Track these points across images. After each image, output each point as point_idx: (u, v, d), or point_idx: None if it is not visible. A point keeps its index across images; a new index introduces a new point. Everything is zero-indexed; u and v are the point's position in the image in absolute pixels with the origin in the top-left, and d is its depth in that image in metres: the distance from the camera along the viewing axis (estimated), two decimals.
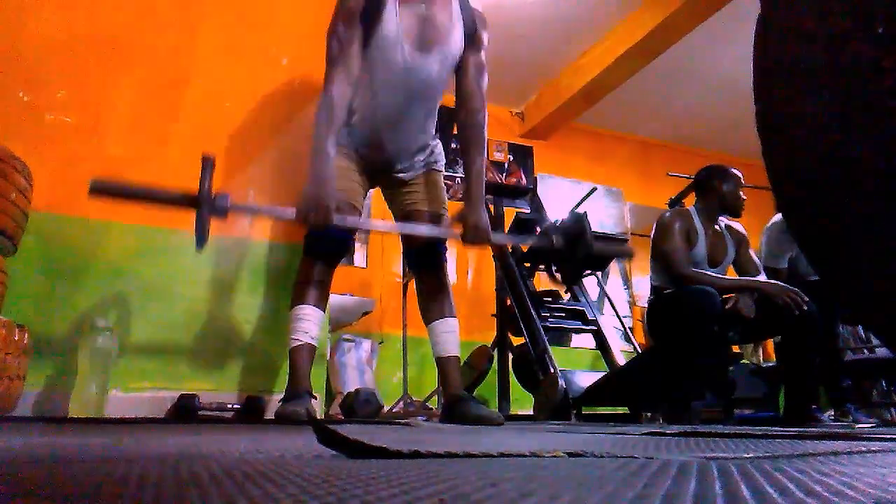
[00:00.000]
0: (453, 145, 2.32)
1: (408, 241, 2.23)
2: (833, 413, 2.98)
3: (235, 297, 2.45)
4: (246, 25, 2.76)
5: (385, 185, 2.28)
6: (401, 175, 2.21)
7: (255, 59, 2.72)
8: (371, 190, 2.34)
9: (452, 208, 2.21)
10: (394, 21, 1.97)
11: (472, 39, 2.09)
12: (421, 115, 2.13)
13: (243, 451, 0.73)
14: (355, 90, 2.00)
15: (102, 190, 1.70)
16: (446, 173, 2.45)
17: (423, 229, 2.12)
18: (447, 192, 2.35)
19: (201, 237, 1.75)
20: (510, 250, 3.55)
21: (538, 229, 3.49)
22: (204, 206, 1.73)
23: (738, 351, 3.39)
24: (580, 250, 2.14)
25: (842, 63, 0.56)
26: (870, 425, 2.69)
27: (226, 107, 2.62)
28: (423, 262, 2.19)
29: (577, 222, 2.19)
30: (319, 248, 2.06)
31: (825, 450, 0.81)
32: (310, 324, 2.01)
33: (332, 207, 1.82)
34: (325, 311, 2.11)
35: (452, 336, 2.14)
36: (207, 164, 1.77)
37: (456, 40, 2.06)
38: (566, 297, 3.59)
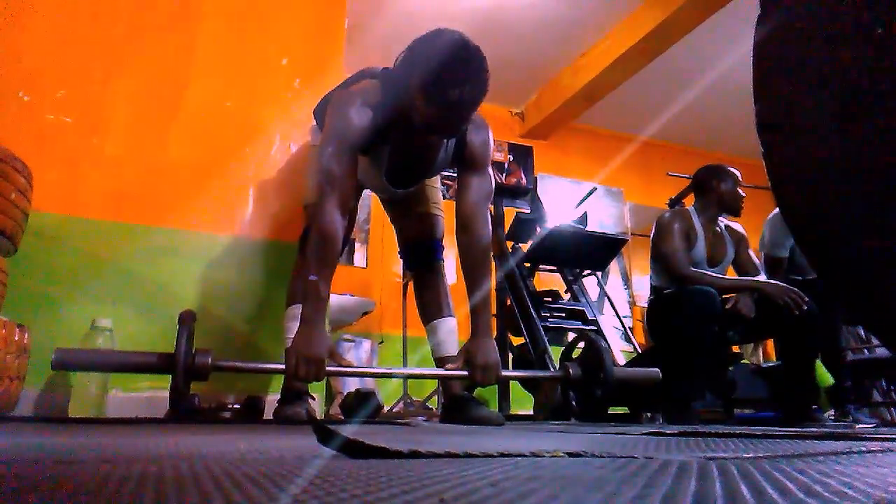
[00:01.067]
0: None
1: (403, 238, 2.22)
2: (833, 413, 2.98)
3: (235, 297, 2.45)
4: (246, 25, 2.76)
5: None
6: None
7: (255, 59, 2.73)
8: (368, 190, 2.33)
9: (449, 208, 2.20)
10: (384, 158, 1.90)
11: (470, 164, 1.90)
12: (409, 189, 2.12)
13: (243, 451, 0.73)
14: (349, 220, 1.86)
15: (66, 364, 1.50)
16: (446, 173, 2.44)
17: (429, 372, 2.10)
18: (447, 191, 2.34)
19: (177, 405, 1.54)
20: (510, 251, 3.55)
21: (538, 229, 3.50)
22: (181, 370, 1.50)
23: (738, 351, 3.39)
24: (600, 381, 1.89)
25: (841, 64, 0.56)
26: (871, 425, 2.69)
27: (226, 107, 2.62)
28: (419, 260, 2.18)
29: (595, 351, 1.94)
30: None
31: (825, 450, 0.81)
32: None
33: (325, 359, 1.64)
34: None
35: (452, 336, 2.14)
36: (186, 320, 1.56)
37: (441, 167, 1.97)
38: (566, 297, 3.59)
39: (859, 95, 0.55)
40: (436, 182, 2.25)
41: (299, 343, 1.63)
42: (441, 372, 1.96)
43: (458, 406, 1.99)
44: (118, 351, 1.64)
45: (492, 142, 1.94)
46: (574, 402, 2.23)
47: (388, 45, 1.83)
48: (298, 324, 1.68)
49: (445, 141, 1.85)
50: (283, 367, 1.64)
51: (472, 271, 1.87)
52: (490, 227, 1.91)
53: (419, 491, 0.38)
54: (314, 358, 1.61)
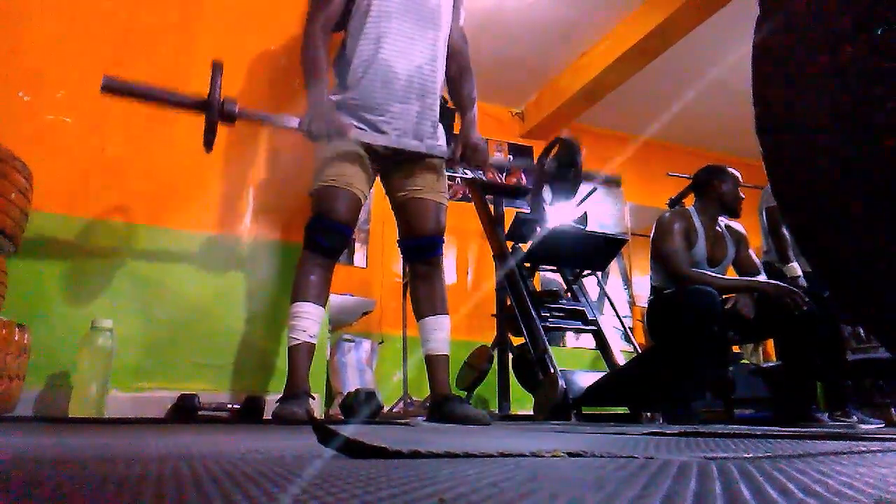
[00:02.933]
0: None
1: (406, 230, 2.20)
2: (833, 413, 2.98)
3: (235, 297, 2.45)
4: (246, 25, 2.76)
5: (388, 167, 2.20)
6: (404, 146, 2.11)
7: (255, 58, 2.72)
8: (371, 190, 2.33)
9: (452, 210, 2.21)
10: None
11: None
12: (427, 56, 2.15)
13: (243, 451, 0.73)
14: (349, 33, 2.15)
15: (114, 88, 1.76)
16: (446, 173, 2.43)
17: (419, 145, 2.12)
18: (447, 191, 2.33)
19: (210, 140, 1.86)
20: (510, 251, 3.55)
21: (538, 229, 3.50)
22: (213, 109, 1.82)
23: (738, 351, 3.39)
24: (571, 172, 2.37)
25: (841, 65, 0.56)
26: (875, 426, 2.69)
27: None
28: (420, 253, 2.17)
29: (569, 149, 2.39)
30: (320, 240, 2.03)
31: (825, 450, 0.81)
32: (309, 321, 2.00)
33: (332, 117, 1.96)
34: (325, 307, 2.08)
35: (443, 334, 2.12)
36: (217, 69, 1.83)
37: None
38: (566, 297, 3.59)
39: (859, 96, 0.55)
40: (442, 169, 2.24)
41: (311, 108, 1.98)
42: (432, 149, 2.13)
43: (444, 405, 1.99)
44: (160, 88, 1.86)
45: None
46: (551, 194, 2.65)
47: None
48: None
49: None
50: (298, 121, 1.97)
51: (461, 93, 2.29)
52: (470, 62, 2.33)
53: (419, 491, 0.38)
54: (323, 113, 1.96)
